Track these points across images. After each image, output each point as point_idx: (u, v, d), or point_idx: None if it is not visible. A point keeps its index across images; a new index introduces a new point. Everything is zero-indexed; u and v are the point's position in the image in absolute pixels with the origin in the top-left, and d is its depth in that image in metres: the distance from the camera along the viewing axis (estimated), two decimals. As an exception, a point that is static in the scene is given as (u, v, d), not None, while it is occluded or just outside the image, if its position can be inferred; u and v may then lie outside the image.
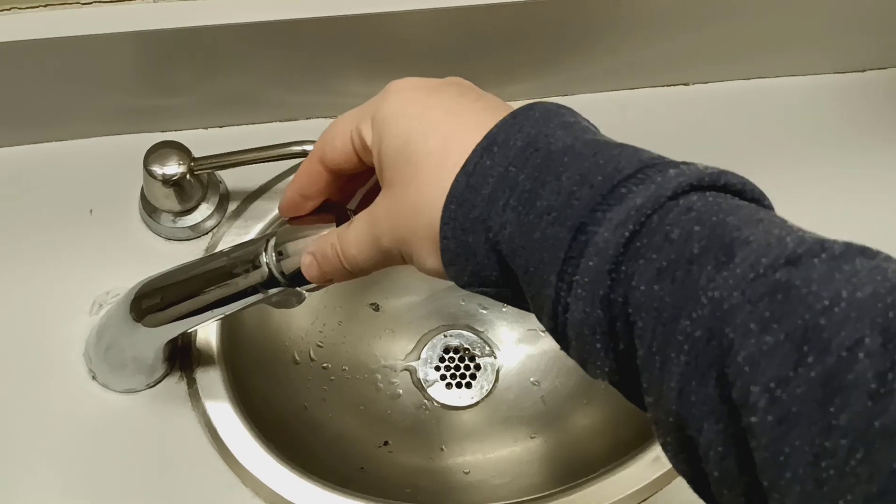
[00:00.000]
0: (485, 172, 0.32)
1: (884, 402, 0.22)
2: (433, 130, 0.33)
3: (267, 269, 0.42)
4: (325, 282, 0.39)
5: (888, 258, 0.26)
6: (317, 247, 0.39)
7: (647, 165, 0.30)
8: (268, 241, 0.43)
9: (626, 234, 0.28)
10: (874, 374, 0.22)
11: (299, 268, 0.42)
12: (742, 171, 0.69)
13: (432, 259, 0.34)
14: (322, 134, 0.38)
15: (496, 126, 0.33)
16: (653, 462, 0.54)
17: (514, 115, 0.33)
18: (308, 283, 0.43)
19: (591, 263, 0.29)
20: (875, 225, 0.64)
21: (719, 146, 0.66)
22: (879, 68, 0.70)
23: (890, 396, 0.22)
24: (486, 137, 0.32)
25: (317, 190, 0.39)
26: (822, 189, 0.65)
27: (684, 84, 0.68)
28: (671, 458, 0.28)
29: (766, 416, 0.24)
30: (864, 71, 0.70)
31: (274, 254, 0.42)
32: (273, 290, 0.43)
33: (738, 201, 0.29)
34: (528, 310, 0.33)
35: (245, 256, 0.43)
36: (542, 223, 0.30)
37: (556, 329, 0.31)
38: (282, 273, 0.42)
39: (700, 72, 0.67)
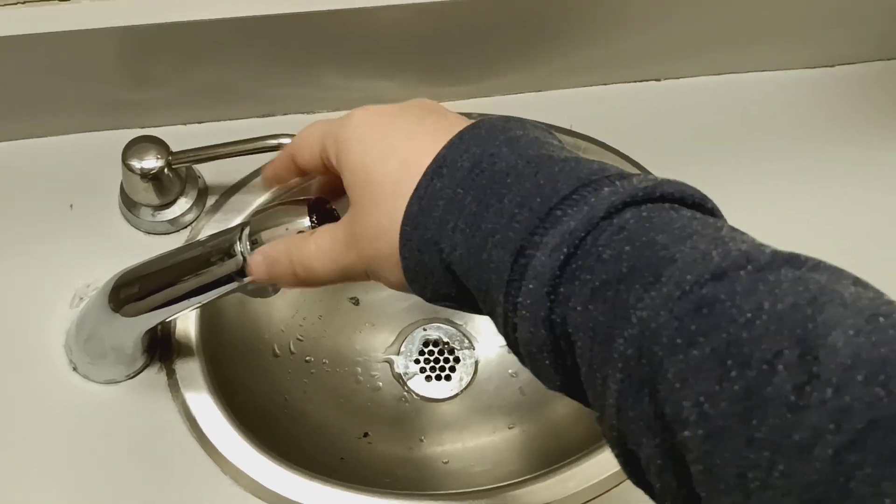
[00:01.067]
0: (435, 195, 0.33)
1: (801, 415, 0.22)
2: (391, 154, 0.35)
3: (241, 258, 0.43)
4: (269, 283, 0.41)
5: (815, 266, 0.26)
6: (270, 250, 0.40)
7: (584, 184, 0.30)
8: (242, 230, 0.44)
9: (561, 257, 0.29)
10: (792, 386, 0.23)
11: None
12: (712, 165, 0.70)
13: (396, 277, 0.35)
14: (296, 136, 0.41)
15: (444, 147, 0.34)
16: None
17: (461, 135, 0.34)
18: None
19: (531, 286, 0.30)
20: (846, 218, 0.65)
21: (691, 140, 0.67)
22: (849, 63, 0.71)
23: (806, 410, 0.22)
24: (436, 160, 0.33)
25: (290, 176, 0.42)
26: (792, 183, 0.66)
27: (656, 80, 0.69)
28: (623, 469, 0.29)
29: (697, 430, 0.24)
30: (833, 66, 0.71)
31: (248, 242, 0.43)
32: (248, 279, 0.44)
33: (674, 214, 0.30)
34: None
35: (220, 245, 0.44)
36: (487, 245, 0.31)
37: (510, 345, 0.32)
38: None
39: (671, 67, 0.68)
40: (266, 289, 0.46)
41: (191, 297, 0.46)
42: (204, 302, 0.46)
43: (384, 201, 0.34)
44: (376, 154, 0.35)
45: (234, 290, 0.45)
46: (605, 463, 0.55)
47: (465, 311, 0.35)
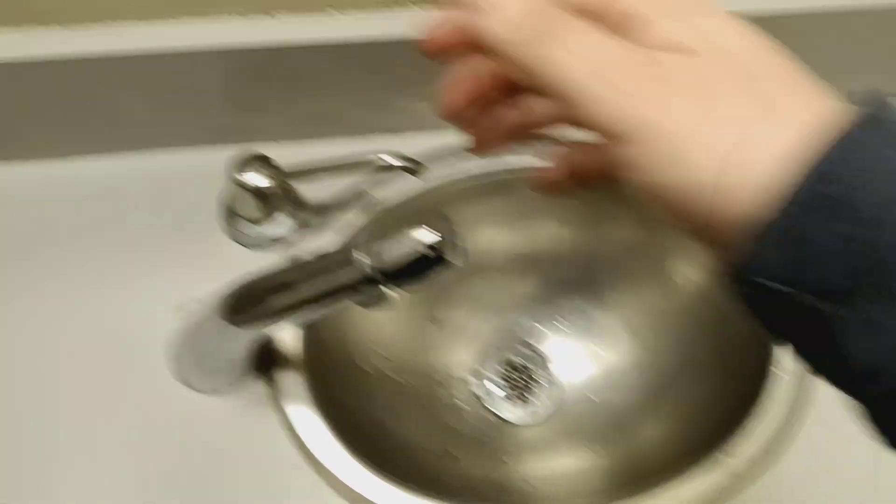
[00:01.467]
0: (872, 155, 0.24)
1: None
2: (785, 63, 0.27)
3: (364, 269, 0.44)
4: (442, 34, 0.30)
5: None
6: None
7: None
8: (364, 240, 0.45)
9: None
10: None
11: (395, 267, 0.43)
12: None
13: (679, 179, 0.25)
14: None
15: (873, 103, 0.25)
16: (717, 473, 0.55)
17: (880, 99, 0.26)
18: (403, 281, 0.44)
19: None
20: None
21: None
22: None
23: None
24: (865, 111, 0.25)
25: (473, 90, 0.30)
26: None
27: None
28: None
29: None
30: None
31: (371, 253, 0.44)
32: (369, 289, 0.45)
33: None
34: (805, 340, 0.26)
35: (341, 256, 0.45)
36: None
37: None
38: (378, 272, 0.44)
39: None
40: (377, 301, 0.47)
41: (307, 308, 0.47)
42: (320, 313, 0.47)
43: (773, 97, 0.25)
44: (768, 47, 0.27)
45: (353, 300, 0.46)
46: (692, 487, 0.55)
47: (781, 310, 0.25)
